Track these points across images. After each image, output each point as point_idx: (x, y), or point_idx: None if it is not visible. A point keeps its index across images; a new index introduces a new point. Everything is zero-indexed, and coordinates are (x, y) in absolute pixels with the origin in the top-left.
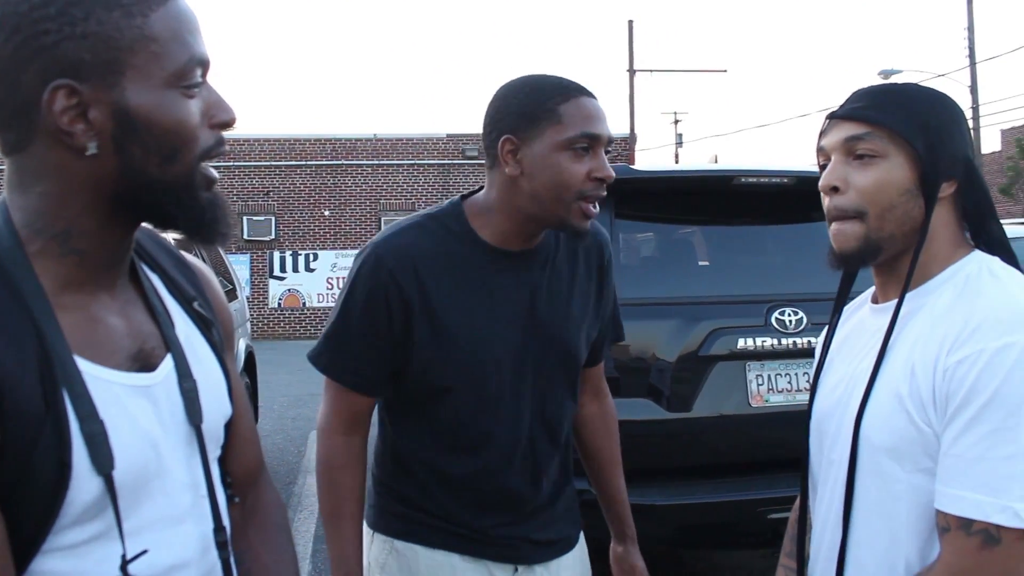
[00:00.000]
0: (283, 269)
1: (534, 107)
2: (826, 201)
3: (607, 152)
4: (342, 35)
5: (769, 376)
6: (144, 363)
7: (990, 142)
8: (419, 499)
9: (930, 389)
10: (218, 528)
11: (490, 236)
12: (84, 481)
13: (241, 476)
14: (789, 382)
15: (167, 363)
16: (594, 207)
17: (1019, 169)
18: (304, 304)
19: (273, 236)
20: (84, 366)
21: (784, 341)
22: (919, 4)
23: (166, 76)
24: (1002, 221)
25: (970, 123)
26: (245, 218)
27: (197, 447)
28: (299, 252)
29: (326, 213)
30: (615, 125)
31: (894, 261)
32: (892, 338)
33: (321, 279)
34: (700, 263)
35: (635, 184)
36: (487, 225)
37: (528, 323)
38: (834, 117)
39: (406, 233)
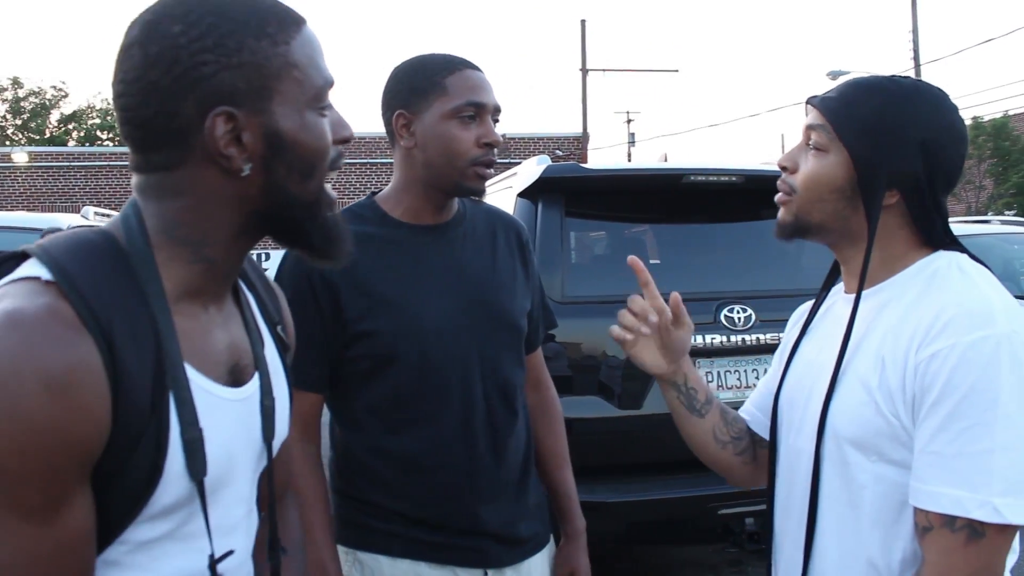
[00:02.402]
0: None
1: (422, 82)
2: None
3: (495, 121)
4: None
5: (719, 373)
6: (237, 377)
7: None
8: (380, 499)
9: (900, 381)
10: (273, 539)
11: (402, 215)
12: (172, 485)
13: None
14: (738, 378)
15: (255, 380)
16: (488, 170)
17: (963, 169)
18: None
19: None
20: (191, 374)
21: (733, 338)
22: (866, 6)
23: (307, 99)
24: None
25: None
26: None
27: (264, 462)
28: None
29: None
30: (568, 125)
31: (846, 257)
32: (863, 329)
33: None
34: (651, 261)
35: (585, 183)
36: (398, 205)
37: (459, 291)
38: (809, 101)
39: None
